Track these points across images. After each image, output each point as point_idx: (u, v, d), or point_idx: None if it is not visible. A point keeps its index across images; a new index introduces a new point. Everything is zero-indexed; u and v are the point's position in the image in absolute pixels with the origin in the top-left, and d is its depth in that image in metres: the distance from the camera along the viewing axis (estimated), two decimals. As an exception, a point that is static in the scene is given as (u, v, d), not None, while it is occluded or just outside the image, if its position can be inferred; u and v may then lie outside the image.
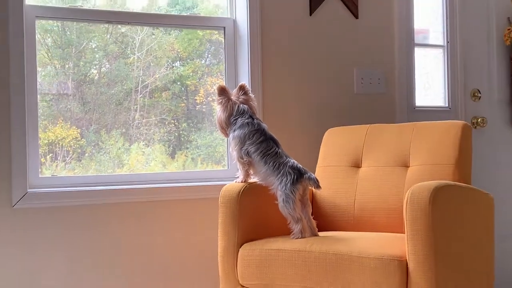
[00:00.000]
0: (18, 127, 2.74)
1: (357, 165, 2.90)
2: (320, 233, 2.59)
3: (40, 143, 2.88)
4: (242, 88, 2.72)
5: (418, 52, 3.59)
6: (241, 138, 2.61)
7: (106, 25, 3.06)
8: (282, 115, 3.24)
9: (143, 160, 3.13)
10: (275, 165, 2.53)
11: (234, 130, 2.63)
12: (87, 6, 3.03)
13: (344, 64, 3.39)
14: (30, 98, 2.81)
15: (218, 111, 2.70)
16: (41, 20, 2.91)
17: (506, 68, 3.72)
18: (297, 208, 2.49)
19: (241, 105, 2.67)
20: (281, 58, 3.25)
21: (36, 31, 2.86)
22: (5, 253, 2.72)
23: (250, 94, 2.73)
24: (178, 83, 3.22)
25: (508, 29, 3.63)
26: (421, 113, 3.53)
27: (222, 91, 2.69)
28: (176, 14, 3.19)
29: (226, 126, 2.68)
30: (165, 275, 2.99)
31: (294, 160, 2.55)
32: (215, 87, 2.76)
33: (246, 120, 2.63)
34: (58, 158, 2.96)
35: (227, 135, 2.71)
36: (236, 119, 2.65)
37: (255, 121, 2.64)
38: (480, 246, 2.51)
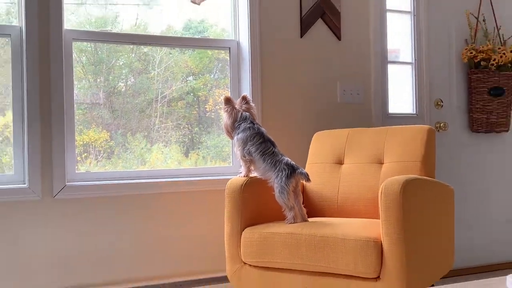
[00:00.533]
0: (58, 131, 2.75)
1: (340, 162, 2.89)
2: (310, 219, 2.58)
3: (76, 144, 2.88)
4: (244, 98, 2.71)
5: (390, 68, 3.56)
6: (243, 140, 2.60)
7: (131, 46, 3.06)
8: (278, 121, 3.23)
9: (162, 158, 3.12)
10: (272, 162, 2.52)
11: (238, 133, 2.63)
12: (115, 30, 3.03)
13: (329, 78, 3.38)
14: (68, 107, 2.81)
15: (224, 117, 2.70)
16: (77, 42, 2.91)
17: (464, 81, 3.69)
18: (291, 198, 2.48)
19: (244, 112, 2.66)
20: (277, 73, 3.24)
21: (73, 51, 2.86)
22: (47, 235, 2.72)
23: (251, 103, 2.72)
24: (191, 94, 3.21)
25: (466, 49, 3.61)
26: (393, 119, 3.51)
27: (228, 101, 2.68)
28: (189, 37, 3.18)
29: (231, 130, 2.67)
30: (180, 255, 2.98)
31: (288, 158, 2.55)
32: (222, 98, 2.76)
33: (248, 125, 2.62)
34: (91, 157, 2.96)
35: (232, 137, 2.70)
36: (240, 124, 2.64)
37: (256, 126, 2.63)
38: (443, 229, 2.51)
